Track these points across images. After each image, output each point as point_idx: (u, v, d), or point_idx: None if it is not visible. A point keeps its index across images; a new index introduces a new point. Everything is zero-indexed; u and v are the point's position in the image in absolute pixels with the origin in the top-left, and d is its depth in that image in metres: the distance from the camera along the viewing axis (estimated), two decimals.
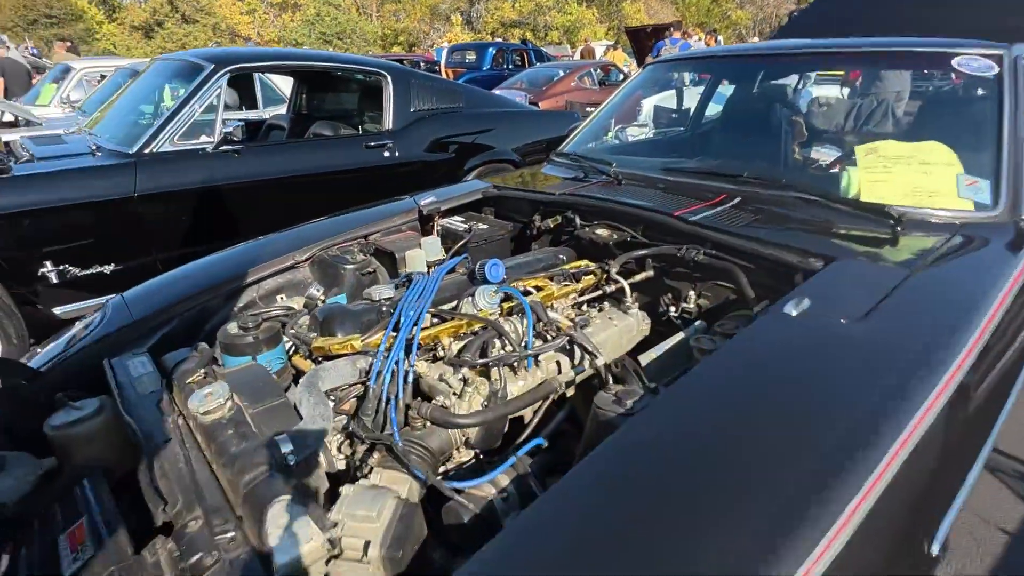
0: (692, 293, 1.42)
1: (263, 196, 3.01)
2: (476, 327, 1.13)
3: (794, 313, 1.00)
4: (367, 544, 0.71)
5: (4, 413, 1.17)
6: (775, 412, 0.81)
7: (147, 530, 0.82)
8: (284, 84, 5.77)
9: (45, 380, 1.21)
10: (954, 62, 1.63)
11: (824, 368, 0.89)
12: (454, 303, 1.23)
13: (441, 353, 1.09)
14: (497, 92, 8.72)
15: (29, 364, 1.28)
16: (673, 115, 3.71)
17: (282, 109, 4.86)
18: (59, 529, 0.83)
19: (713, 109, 2.69)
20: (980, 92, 1.62)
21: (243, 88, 6.15)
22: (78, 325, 1.47)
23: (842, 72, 2.52)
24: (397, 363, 1.00)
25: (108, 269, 2.62)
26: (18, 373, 1.21)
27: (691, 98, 3.25)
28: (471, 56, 12.18)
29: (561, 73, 9.33)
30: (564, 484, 0.70)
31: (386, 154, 3.40)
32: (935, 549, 0.76)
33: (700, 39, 11.34)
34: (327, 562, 0.72)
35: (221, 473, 0.85)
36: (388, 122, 3.47)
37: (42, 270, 2.47)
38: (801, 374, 0.88)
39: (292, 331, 1.24)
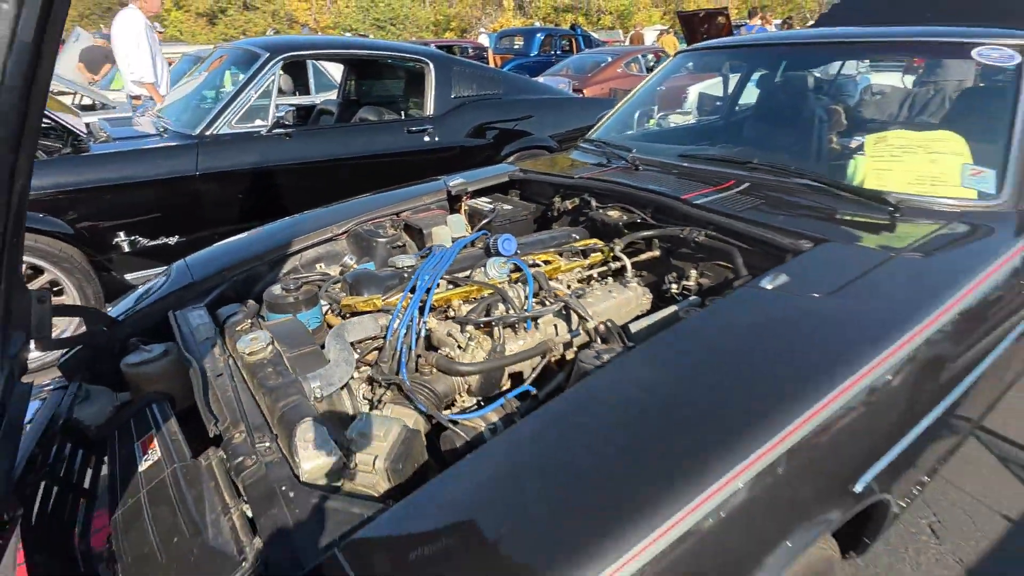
0: (694, 272, 1.51)
1: (311, 177, 3.23)
2: (484, 293, 1.27)
3: (769, 287, 1.09)
4: (375, 458, 0.86)
5: (88, 354, 1.40)
6: (725, 365, 0.92)
7: (202, 444, 1.01)
8: (336, 70, 6.02)
9: (122, 327, 1.43)
10: (974, 52, 1.64)
11: (783, 333, 0.98)
12: (468, 272, 1.37)
13: (452, 313, 1.24)
14: (542, 79, 8.79)
15: (108, 314, 1.50)
16: (717, 103, 3.71)
17: (333, 95, 5.11)
18: (134, 439, 1.03)
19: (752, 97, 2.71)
20: (999, 82, 1.62)
21: (297, 74, 6.45)
22: (147, 285, 1.70)
23: (903, 60, 2.49)
24: (412, 320, 1.15)
25: (173, 240, 2.90)
26: (99, 320, 1.43)
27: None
28: (519, 42, 12.22)
29: (609, 59, 9.27)
30: (530, 418, 0.84)
31: (426, 139, 3.56)
32: (858, 487, 0.84)
33: (776, 23, 11.09)
34: (342, 470, 0.87)
35: (261, 400, 1.02)
36: (429, 108, 3.63)
37: (116, 239, 2.76)
38: (759, 336, 0.98)
39: (326, 292, 1.41)
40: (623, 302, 1.36)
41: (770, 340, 0.97)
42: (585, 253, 1.55)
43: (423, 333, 1.15)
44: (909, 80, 2.51)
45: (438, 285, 1.27)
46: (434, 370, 1.09)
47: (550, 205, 1.95)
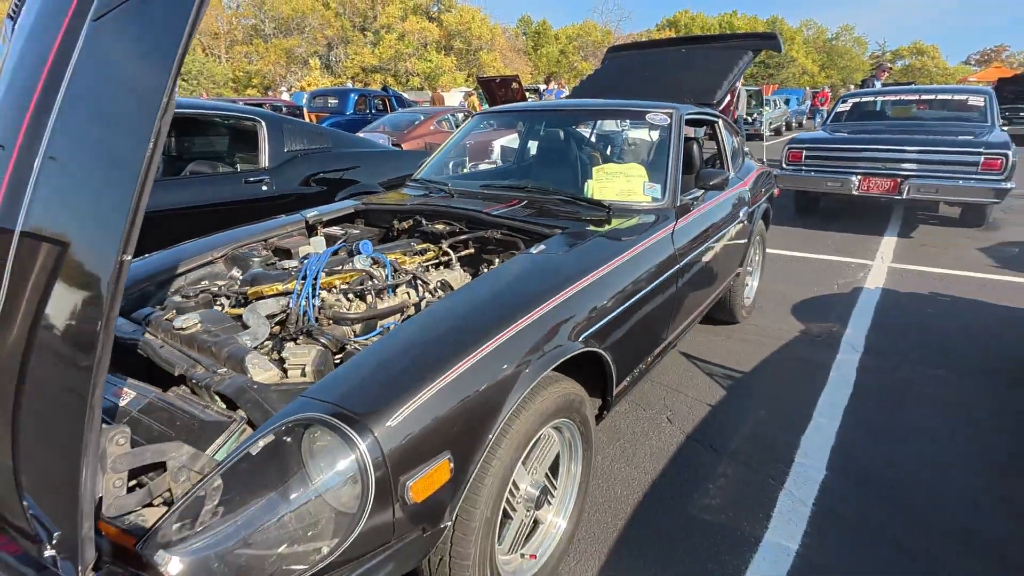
0: (498, 260, 2.23)
1: (165, 224, 3.40)
2: (357, 277, 1.82)
3: (535, 251, 1.84)
4: (303, 366, 1.37)
5: None
6: (503, 287, 1.62)
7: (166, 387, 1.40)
8: None
9: None
10: (647, 116, 2.68)
11: (541, 269, 1.73)
12: (341, 267, 1.91)
13: (335, 290, 1.77)
14: (362, 135, 9.40)
15: None
16: (513, 152, 4.70)
17: None
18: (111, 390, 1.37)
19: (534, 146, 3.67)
20: (661, 135, 2.68)
21: None
22: None
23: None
24: (308, 294, 1.66)
25: None
26: None
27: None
28: (333, 101, 12.72)
29: (422, 118, 10.26)
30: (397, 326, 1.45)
31: (264, 188, 3.93)
32: (577, 341, 1.59)
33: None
34: (280, 379, 1.36)
35: (204, 354, 1.45)
36: (264, 161, 4.01)
37: None
38: (527, 274, 1.71)
39: (225, 293, 1.83)
40: (451, 279, 2.01)
41: (531, 274, 1.70)
42: (421, 252, 2.18)
43: (317, 303, 1.67)
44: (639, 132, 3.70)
45: (322, 274, 1.80)
46: (329, 322, 1.61)
47: (391, 227, 2.55)
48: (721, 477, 2.21)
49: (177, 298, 1.83)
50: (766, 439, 2.44)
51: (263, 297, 1.74)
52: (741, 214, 3.05)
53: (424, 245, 2.26)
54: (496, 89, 12.62)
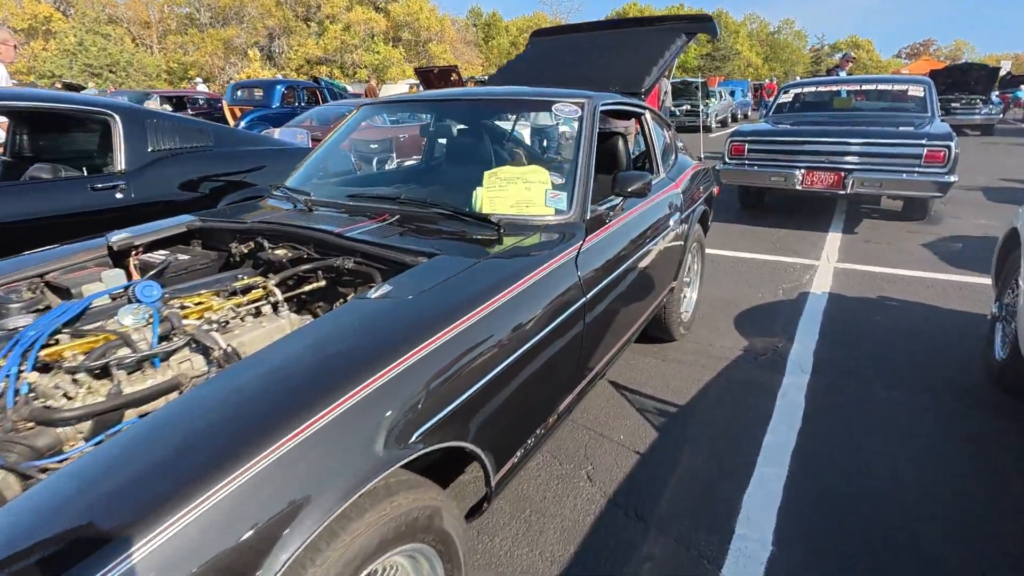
0: (352, 295, 1.70)
1: None
2: (102, 343, 1.26)
3: (373, 296, 1.32)
4: None
5: None
6: (315, 355, 1.11)
7: None
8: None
9: None
10: (554, 108, 2.19)
11: (369, 326, 1.21)
12: (100, 323, 1.35)
13: (66, 365, 1.21)
14: (283, 129, 8.65)
15: None
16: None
17: None
18: None
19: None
20: (570, 130, 2.20)
21: None
22: None
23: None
24: (10, 377, 1.10)
25: None
26: None
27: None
28: (259, 93, 11.81)
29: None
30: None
31: (119, 196, 3.27)
32: (416, 439, 1.09)
33: None
34: None
35: None
36: (120, 163, 3.34)
37: None
38: (352, 332, 1.20)
39: None
40: (275, 330, 1.48)
41: (357, 333, 1.19)
42: (249, 290, 1.63)
43: (23, 390, 1.10)
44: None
45: (56, 339, 1.23)
46: (30, 425, 1.06)
47: (231, 251, 1.99)
48: (647, 560, 1.76)
49: None
50: (702, 499, 2.01)
51: None
52: (672, 221, 2.62)
53: (250, 280, 1.70)
54: (435, 80, 12.00)
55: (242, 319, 1.51)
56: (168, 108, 13.33)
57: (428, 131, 2.74)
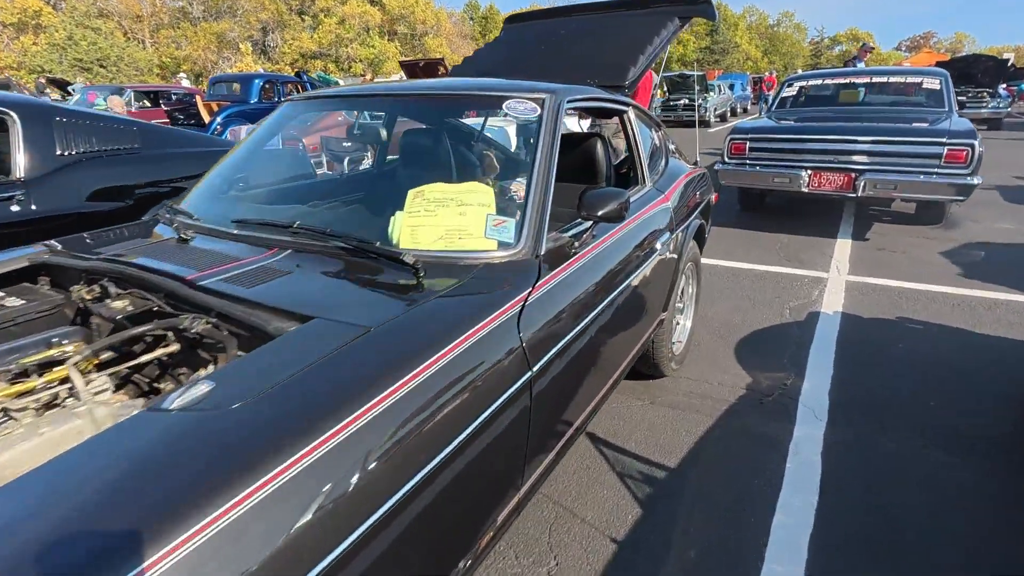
0: (212, 367, 1.23)
1: None
2: None
3: (174, 405, 0.85)
4: None
5: None
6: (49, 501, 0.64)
7: None
8: None
9: None
10: (505, 105, 1.71)
11: (136, 470, 0.74)
12: None
13: None
14: (247, 128, 8.13)
15: None
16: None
17: None
18: None
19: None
20: (525, 135, 1.72)
21: None
22: None
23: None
24: None
25: None
26: None
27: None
28: (237, 88, 11.26)
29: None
30: None
31: (15, 208, 2.79)
32: None
33: None
34: None
35: None
36: (18, 169, 2.86)
37: None
38: (104, 470, 0.73)
39: None
40: (57, 439, 1.00)
41: (135, 478, 0.72)
42: (48, 367, 1.16)
43: None
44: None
45: None
46: None
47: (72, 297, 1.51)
48: None
49: None
50: None
51: None
52: (660, 244, 2.14)
53: (54, 352, 1.22)
54: (420, 73, 11.47)
55: (16, 418, 1.03)
56: (147, 104, 12.87)
57: (354, 135, 2.25)
